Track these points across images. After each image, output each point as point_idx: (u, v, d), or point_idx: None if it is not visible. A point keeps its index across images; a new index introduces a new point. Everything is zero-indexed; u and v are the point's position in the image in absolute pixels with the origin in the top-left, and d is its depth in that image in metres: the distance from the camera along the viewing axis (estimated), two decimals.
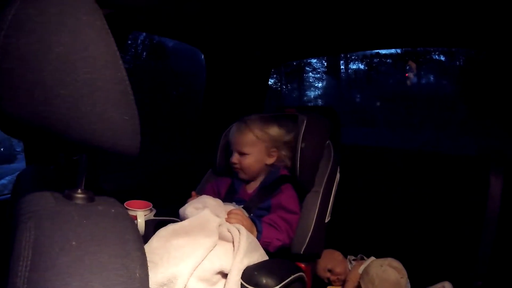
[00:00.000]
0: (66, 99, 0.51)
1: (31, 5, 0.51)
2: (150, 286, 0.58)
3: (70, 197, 0.61)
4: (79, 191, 0.62)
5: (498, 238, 1.59)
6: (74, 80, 0.51)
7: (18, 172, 1.02)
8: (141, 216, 1.25)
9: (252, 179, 1.50)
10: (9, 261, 0.54)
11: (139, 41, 4.21)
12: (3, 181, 3.26)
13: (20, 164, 3.67)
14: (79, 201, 0.61)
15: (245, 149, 1.46)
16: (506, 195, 1.59)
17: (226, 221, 1.19)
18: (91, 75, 0.52)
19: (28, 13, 0.51)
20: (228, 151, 1.55)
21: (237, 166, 1.47)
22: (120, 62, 0.55)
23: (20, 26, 0.50)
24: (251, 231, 1.21)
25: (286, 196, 1.40)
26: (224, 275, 1.05)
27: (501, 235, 1.59)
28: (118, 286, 0.51)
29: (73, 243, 0.52)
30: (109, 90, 0.53)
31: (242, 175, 1.49)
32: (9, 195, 1.44)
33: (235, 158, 1.47)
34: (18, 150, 3.80)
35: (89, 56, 0.52)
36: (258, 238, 1.23)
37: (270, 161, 1.48)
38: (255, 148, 1.46)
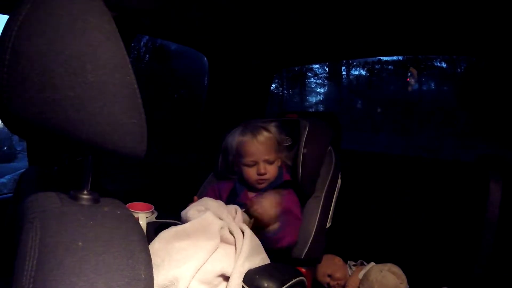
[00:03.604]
0: (75, 100, 0.52)
1: (41, 8, 0.52)
2: None
3: (75, 198, 0.61)
4: (85, 192, 0.62)
5: (497, 244, 1.60)
6: (83, 82, 0.52)
7: (20, 172, 1.02)
8: (143, 218, 1.25)
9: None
10: (10, 259, 0.55)
11: (141, 44, 4.23)
12: (3, 179, 3.25)
13: (20, 163, 3.67)
14: (84, 202, 0.61)
15: (272, 157, 1.42)
16: (506, 202, 1.59)
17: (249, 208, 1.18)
18: (100, 78, 0.52)
19: (38, 15, 0.51)
20: (230, 155, 1.51)
21: (266, 176, 1.41)
22: (129, 65, 0.55)
23: (30, 28, 0.51)
24: (271, 216, 1.21)
25: (287, 199, 1.38)
26: (226, 278, 1.05)
27: (500, 241, 1.60)
28: (123, 286, 0.51)
29: (79, 243, 0.52)
30: (118, 93, 0.54)
31: (265, 185, 1.43)
32: (9, 194, 1.45)
33: (263, 168, 1.40)
34: (18, 149, 3.81)
35: (98, 58, 0.53)
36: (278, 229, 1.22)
37: (278, 164, 1.48)
38: (276, 153, 1.45)
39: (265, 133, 1.43)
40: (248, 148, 1.42)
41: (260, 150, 1.41)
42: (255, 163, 1.41)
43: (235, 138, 1.47)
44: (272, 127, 1.48)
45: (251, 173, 1.42)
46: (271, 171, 1.42)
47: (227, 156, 1.53)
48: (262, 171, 1.40)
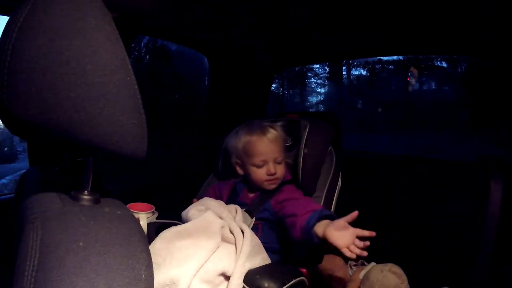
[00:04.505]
0: (75, 101, 0.52)
1: (41, 9, 0.52)
2: None
3: (76, 199, 0.62)
4: (86, 192, 0.62)
5: (498, 244, 1.60)
6: (83, 83, 0.52)
7: (21, 172, 1.02)
8: (144, 218, 1.25)
9: None
10: (10, 259, 0.55)
11: (142, 44, 4.23)
12: (4, 180, 3.25)
13: (20, 164, 3.67)
14: (85, 203, 0.61)
15: (281, 156, 1.40)
16: (506, 201, 1.59)
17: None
18: (100, 79, 0.52)
19: (38, 16, 0.51)
20: (233, 157, 1.48)
21: (276, 176, 1.38)
22: (130, 66, 0.55)
23: (30, 29, 0.51)
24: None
25: (289, 191, 1.38)
26: (227, 277, 1.05)
27: (501, 241, 1.60)
28: (123, 287, 0.52)
29: (80, 243, 0.52)
30: (118, 94, 0.54)
31: (275, 185, 1.40)
32: (10, 195, 1.45)
33: (274, 168, 1.37)
34: (19, 150, 3.81)
35: (98, 60, 0.53)
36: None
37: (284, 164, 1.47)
38: (284, 152, 1.43)
39: (274, 132, 1.41)
40: (259, 147, 1.38)
41: (270, 148, 1.38)
42: (265, 163, 1.38)
43: (241, 139, 1.43)
44: (278, 126, 1.46)
45: (260, 173, 1.38)
46: (280, 171, 1.39)
47: (229, 158, 1.50)
48: (273, 171, 1.37)
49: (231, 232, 1.15)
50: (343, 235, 1.02)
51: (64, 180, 0.83)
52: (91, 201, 0.62)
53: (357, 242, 1.01)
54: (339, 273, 1.73)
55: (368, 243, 1.03)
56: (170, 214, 1.31)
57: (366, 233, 1.02)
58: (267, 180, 1.38)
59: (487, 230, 1.62)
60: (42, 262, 0.50)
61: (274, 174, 1.37)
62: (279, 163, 1.40)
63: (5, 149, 3.84)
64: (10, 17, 0.53)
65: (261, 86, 2.32)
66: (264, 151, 1.37)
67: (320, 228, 1.07)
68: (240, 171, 1.47)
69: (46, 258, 0.50)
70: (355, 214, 1.03)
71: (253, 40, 1.90)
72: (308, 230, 1.09)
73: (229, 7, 1.50)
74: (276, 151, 1.38)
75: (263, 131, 1.39)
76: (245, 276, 1.05)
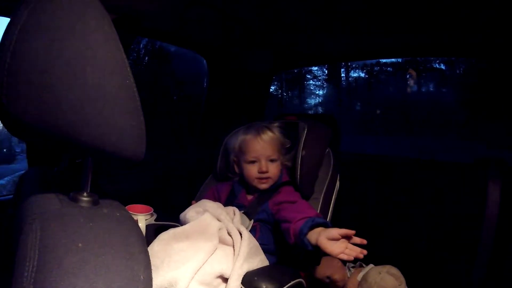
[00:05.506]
0: (74, 103, 0.52)
1: (41, 10, 0.52)
2: None
3: (75, 200, 0.62)
4: (85, 194, 0.62)
5: (496, 245, 1.60)
6: (82, 84, 0.52)
7: (20, 173, 1.02)
8: (142, 220, 1.25)
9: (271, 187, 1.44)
10: (9, 260, 0.55)
11: (141, 46, 4.24)
12: (2, 181, 3.25)
13: (19, 165, 3.67)
14: (84, 204, 0.61)
15: (275, 155, 1.42)
16: (504, 202, 1.60)
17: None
18: (99, 80, 0.53)
19: (38, 18, 0.52)
20: (232, 155, 1.51)
21: (268, 174, 1.40)
22: (128, 68, 0.56)
23: (30, 31, 0.51)
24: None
25: (286, 193, 1.39)
26: (225, 279, 1.06)
27: (499, 242, 1.60)
28: (122, 287, 0.52)
29: (79, 244, 0.52)
30: (117, 95, 0.54)
31: (267, 185, 1.42)
32: (8, 196, 1.45)
33: (265, 166, 1.40)
34: (17, 151, 3.81)
35: (97, 61, 0.53)
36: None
37: (279, 165, 1.48)
38: (279, 153, 1.45)
39: (269, 133, 1.44)
40: (252, 145, 1.42)
41: (263, 147, 1.41)
42: (257, 160, 1.41)
43: (238, 137, 1.47)
44: (276, 128, 1.48)
45: (252, 171, 1.41)
46: (273, 170, 1.41)
47: (228, 156, 1.54)
48: (264, 168, 1.39)
49: (229, 234, 1.15)
50: (335, 242, 1.03)
51: (63, 181, 0.83)
52: (90, 202, 0.62)
53: (351, 246, 1.02)
54: (337, 275, 1.73)
55: (365, 251, 1.03)
56: (169, 216, 1.31)
57: (357, 240, 1.03)
58: (258, 178, 1.41)
59: (486, 231, 1.62)
60: (41, 263, 0.50)
61: (266, 172, 1.40)
62: (272, 162, 1.42)
63: (4, 150, 3.84)
64: (10, 19, 0.54)
65: (260, 88, 2.33)
66: (257, 149, 1.41)
67: (313, 236, 1.08)
68: (237, 169, 1.50)
69: (45, 259, 0.50)
70: (350, 232, 1.04)
71: (252, 42, 1.90)
72: (301, 238, 1.10)
73: (228, 9, 1.50)
74: (269, 150, 1.41)
75: (258, 131, 1.43)
76: (243, 278, 1.06)
